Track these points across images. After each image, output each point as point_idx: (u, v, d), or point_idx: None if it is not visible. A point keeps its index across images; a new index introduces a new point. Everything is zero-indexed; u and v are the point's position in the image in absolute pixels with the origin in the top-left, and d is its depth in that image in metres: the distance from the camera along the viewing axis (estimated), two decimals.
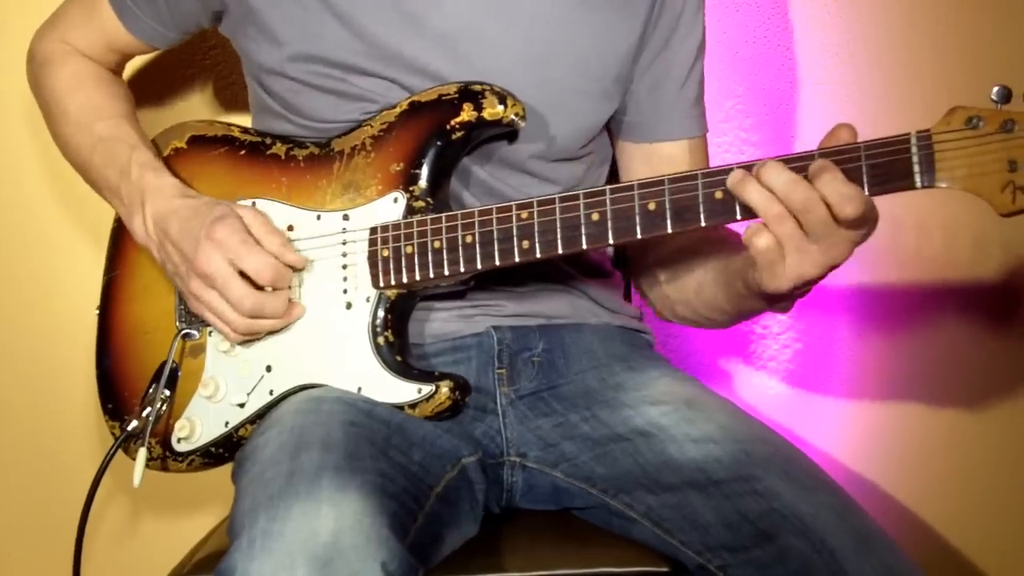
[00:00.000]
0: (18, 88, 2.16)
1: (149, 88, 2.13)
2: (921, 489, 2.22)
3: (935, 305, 2.16)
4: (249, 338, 1.61)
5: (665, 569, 1.55)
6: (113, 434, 1.75)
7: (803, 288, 1.42)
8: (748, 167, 1.39)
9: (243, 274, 1.55)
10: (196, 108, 2.18)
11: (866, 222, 1.35)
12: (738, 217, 1.40)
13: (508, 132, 1.61)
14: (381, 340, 1.55)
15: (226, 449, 1.64)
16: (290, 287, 1.60)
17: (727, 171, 1.40)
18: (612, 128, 1.78)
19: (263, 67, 1.68)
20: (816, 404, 2.22)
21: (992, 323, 2.16)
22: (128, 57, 1.89)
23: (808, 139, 2.16)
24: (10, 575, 2.30)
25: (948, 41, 2.14)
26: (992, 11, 2.13)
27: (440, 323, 1.67)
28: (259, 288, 1.56)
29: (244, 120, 1.82)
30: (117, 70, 1.89)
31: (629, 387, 1.66)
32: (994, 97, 1.28)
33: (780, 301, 1.51)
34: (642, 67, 1.71)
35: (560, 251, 1.48)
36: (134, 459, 1.68)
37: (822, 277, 1.40)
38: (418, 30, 1.61)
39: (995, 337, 2.17)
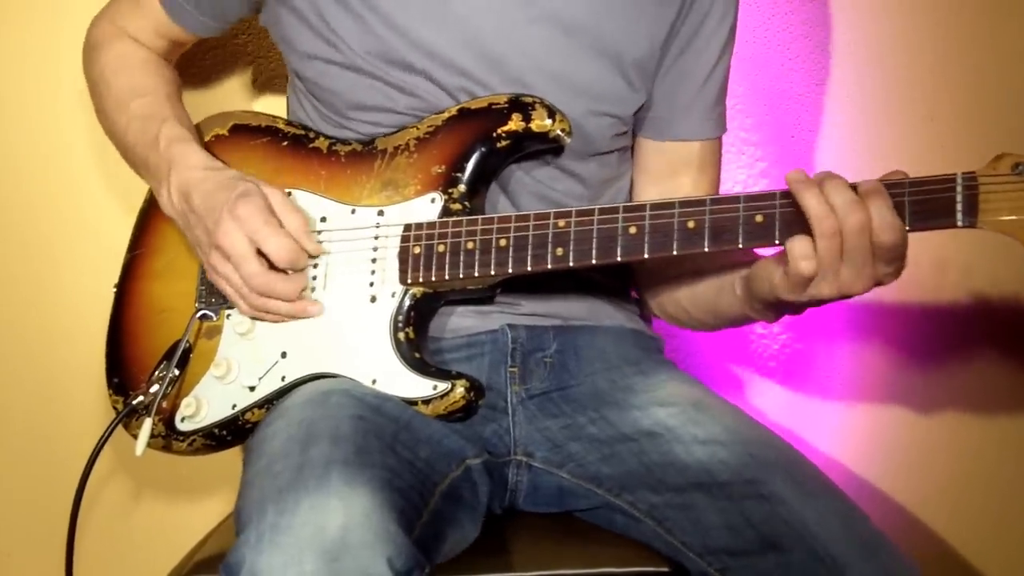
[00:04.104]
0: (17, 88, 2.14)
1: None
2: (922, 492, 2.24)
3: (935, 307, 2.19)
4: (262, 316, 1.61)
5: (666, 569, 1.56)
6: (116, 409, 1.73)
7: (813, 305, 1.45)
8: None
9: (262, 253, 1.56)
10: (200, 109, 2.14)
11: (896, 259, 1.38)
12: (776, 241, 1.42)
13: (553, 147, 1.61)
14: (402, 335, 1.56)
15: (230, 432, 1.64)
16: (314, 277, 1.60)
17: (769, 196, 1.42)
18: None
19: (296, 51, 1.69)
20: (817, 406, 2.24)
21: (992, 325, 2.19)
22: (179, 45, 1.88)
23: (808, 139, 2.18)
24: (7, 574, 2.29)
25: (948, 41, 2.15)
26: (992, 11, 2.14)
27: (456, 318, 1.67)
28: (278, 269, 1.57)
29: None
30: (169, 57, 1.88)
31: (639, 389, 1.67)
32: None
33: (777, 311, 1.53)
34: (667, 63, 1.70)
35: (594, 261, 1.49)
36: (135, 436, 1.67)
37: (832, 301, 1.42)
38: (445, 17, 1.61)
39: (995, 339, 2.20)
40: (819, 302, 1.43)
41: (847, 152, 2.15)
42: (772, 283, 1.45)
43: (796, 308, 1.48)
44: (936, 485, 2.24)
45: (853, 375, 2.24)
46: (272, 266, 1.57)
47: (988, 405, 2.22)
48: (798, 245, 1.39)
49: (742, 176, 2.17)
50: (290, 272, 1.58)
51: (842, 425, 2.24)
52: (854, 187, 1.38)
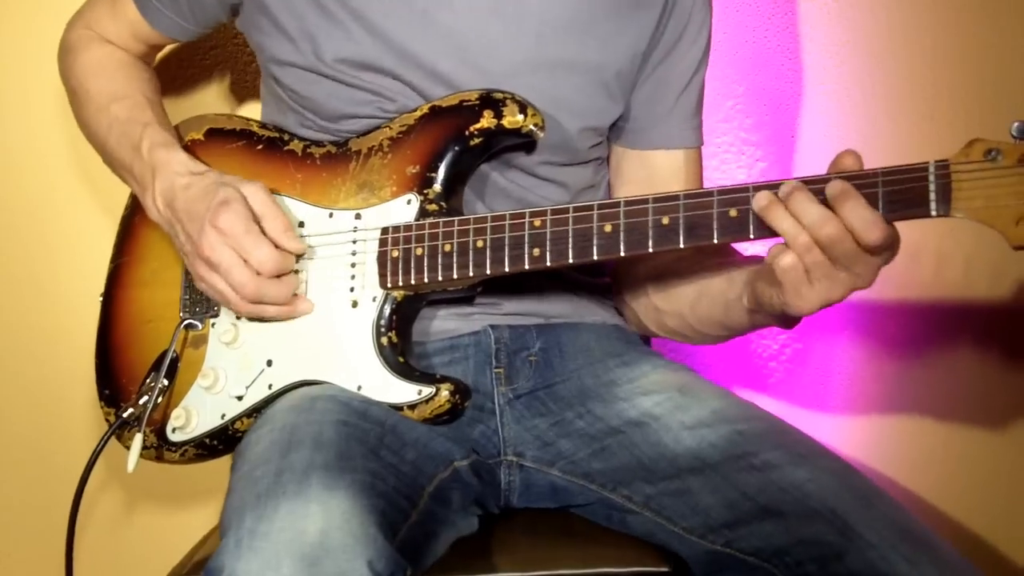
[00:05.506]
0: (18, 89, 2.16)
1: None
2: (919, 490, 2.23)
3: (932, 306, 2.18)
4: (256, 318, 1.60)
5: (666, 569, 1.55)
6: (108, 421, 1.74)
7: (826, 307, 1.43)
8: (767, 187, 1.39)
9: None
10: (196, 108, 2.17)
11: (889, 247, 1.36)
12: (751, 236, 1.40)
13: (526, 143, 1.61)
14: (384, 340, 1.55)
15: (220, 441, 1.64)
16: (297, 274, 1.60)
17: (743, 189, 1.40)
18: (609, 132, 1.77)
19: (275, 60, 1.69)
20: (816, 404, 2.23)
21: (990, 334, 2.17)
22: (155, 47, 1.89)
23: (808, 140, 2.17)
24: (7, 575, 2.31)
25: (948, 41, 2.14)
26: (992, 11, 2.13)
27: (439, 321, 1.67)
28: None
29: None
30: (146, 59, 1.89)
31: (622, 381, 1.66)
32: (1014, 133, 1.29)
33: (792, 320, 1.51)
34: (645, 72, 1.71)
35: (571, 260, 1.48)
36: (128, 447, 1.67)
37: (846, 297, 1.41)
38: (427, 27, 1.61)
39: (991, 339, 2.18)
40: (833, 304, 1.41)
41: None
42: (780, 301, 1.43)
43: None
44: (936, 482, 2.23)
45: (852, 373, 2.23)
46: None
47: (985, 397, 2.21)
48: (773, 249, 1.39)
49: (742, 176, 2.16)
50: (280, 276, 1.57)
51: (842, 423, 2.23)
52: (823, 182, 1.36)
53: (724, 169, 2.16)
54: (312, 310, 1.59)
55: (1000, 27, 2.13)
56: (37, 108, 2.16)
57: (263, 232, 1.56)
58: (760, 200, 1.38)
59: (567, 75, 1.64)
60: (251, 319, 1.62)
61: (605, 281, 1.83)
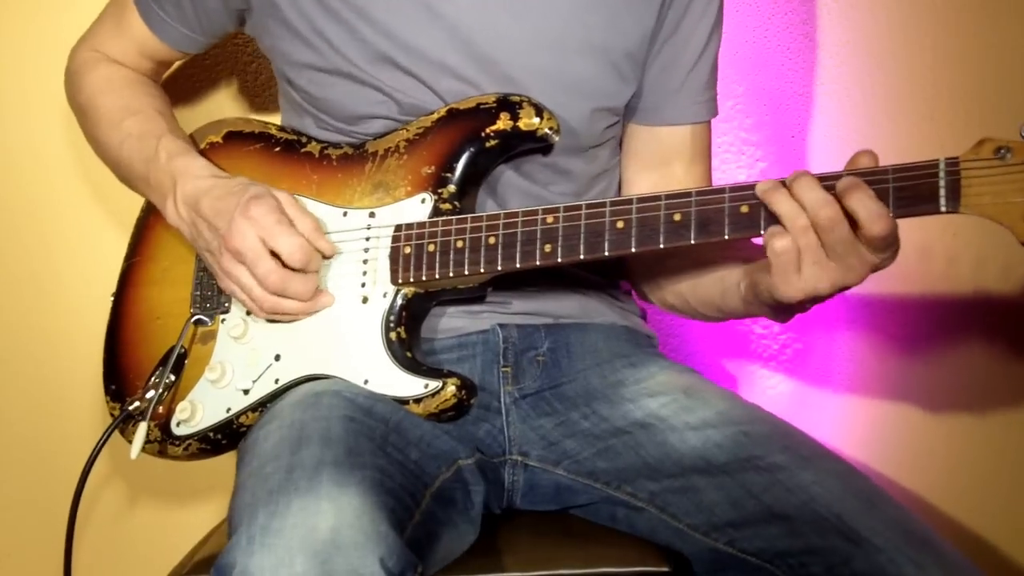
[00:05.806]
0: (19, 90, 2.16)
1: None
2: (920, 490, 2.23)
3: (934, 304, 2.18)
4: (274, 317, 1.60)
5: (666, 569, 1.55)
6: (112, 415, 1.74)
7: (812, 303, 1.44)
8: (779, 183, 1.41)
9: (274, 254, 1.55)
10: (196, 105, 2.18)
11: (889, 245, 1.37)
12: (762, 232, 1.41)
13: (542, 146, 1.62)
14: (393, 335, 1.56)
15: (224, 436, 1.64)
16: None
17: (754, 186, 1.41)
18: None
19: (288, 62, 1.69)
20: (816, 404, 2.23)
21: (991, 324, 2.18)
22: (163, 64, 1.89)
23: (808, 140, 2.18)
24: (6, 575, 2.31)
25: (948, 41, 2.15)
26: (992, 11, 2.13)
27: (447, 318, 1.67)
28: (290, 269, 1.57)
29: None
30: (153, 77, 1.89)
31: (629, 382, 1.67)
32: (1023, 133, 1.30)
33: (783, 312, 1.52)
34: (655, 50, 1.71)
35: (582, 257, 1.49)
36: (131, 441, 1.68)
37: (832, 296, 1.42)
38: (432, 21, 1.61)
39: (995, 337, 2.19)
40: (819, 298, 1.42)
41: (847, 152, 2.09)
42: (768, 284, 1.45)
43: (800, 306, 1.47)
44: (936, 481, 2.23)
45: (853, 372, 2.23)
46: (285, 266, 1.57)
47: (987, 396, 2.21)
48: (771, 229, 1.40)
49: (742, 176, 2.17)
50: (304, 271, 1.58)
51: (843, 423, 2.23)
52: (834, 179, 1.38)
53: (724, 169, 2.16)
54: (333, 302, 1.60)
55: (1000, 27, 2.13)
56: (37, 109, 2.16)
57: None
58: (764, 183, 1.40)
59: (576, 58, 1.64)
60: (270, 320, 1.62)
61: (615, 279, 1.83)
